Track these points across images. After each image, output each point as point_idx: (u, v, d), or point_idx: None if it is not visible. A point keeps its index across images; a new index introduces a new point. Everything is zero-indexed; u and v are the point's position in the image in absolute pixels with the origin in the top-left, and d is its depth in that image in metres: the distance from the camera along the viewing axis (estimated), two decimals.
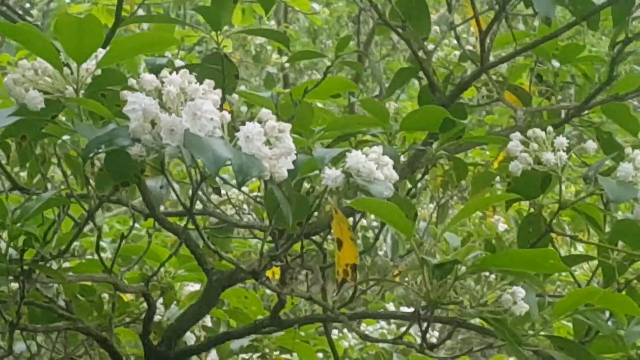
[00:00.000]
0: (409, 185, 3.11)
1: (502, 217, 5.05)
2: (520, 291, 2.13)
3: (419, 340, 2.48)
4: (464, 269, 2.16)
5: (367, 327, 4.47)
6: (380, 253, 3.70)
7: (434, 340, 3.74)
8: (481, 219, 5.12)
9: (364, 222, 3.72)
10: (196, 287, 3.11)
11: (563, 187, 2.48)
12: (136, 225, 2.98)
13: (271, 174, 1.91)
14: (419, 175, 3.15)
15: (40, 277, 2.62)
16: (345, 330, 4.56)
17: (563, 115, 3.38)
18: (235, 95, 3.29)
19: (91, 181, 2.42)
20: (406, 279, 2.53)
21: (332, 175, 2.05)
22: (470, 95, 3.69)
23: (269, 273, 3.02)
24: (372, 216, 3.42)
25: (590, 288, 2.56)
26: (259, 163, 1.80)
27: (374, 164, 2.08)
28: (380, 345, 4.09)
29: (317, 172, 2.16)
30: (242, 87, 6.55)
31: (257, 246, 3.46)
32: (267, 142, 1.88)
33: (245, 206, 3.39)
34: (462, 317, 2.31)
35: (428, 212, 5.13)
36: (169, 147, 1.80)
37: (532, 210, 2.71)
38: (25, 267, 2.47)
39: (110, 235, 3.67)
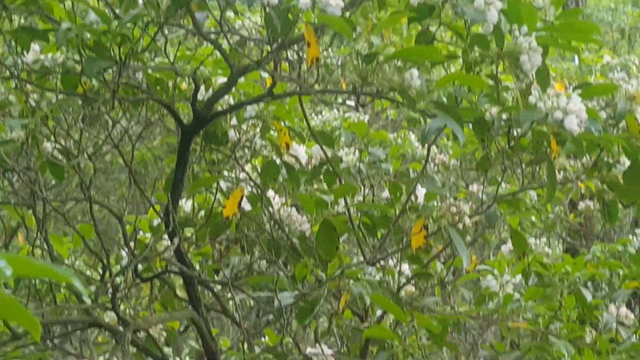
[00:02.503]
0: None
1: None
2: (414, 73, 3.19)
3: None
4: (382, 58, 3.19)
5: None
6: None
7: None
8: None
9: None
10: (224, 79, 3.74)
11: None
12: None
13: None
14: None
15: (133, 65, 3.51)
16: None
17: None
18: None
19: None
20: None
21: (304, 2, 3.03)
22: None
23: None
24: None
25: (457, 73, 3.46)
26: None
27: None
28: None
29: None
30: None
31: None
32: None
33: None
34: (382, 94, 3.47)
35: None
36: None
37: None
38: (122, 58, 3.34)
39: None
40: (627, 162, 3.52)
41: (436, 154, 4.73)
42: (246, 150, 3.98)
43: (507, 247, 4.18)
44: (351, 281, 3.50)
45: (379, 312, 3.90)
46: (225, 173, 4.08)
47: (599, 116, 3.31)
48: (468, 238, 3.68)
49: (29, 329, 1.20)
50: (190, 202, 4.08)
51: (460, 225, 3.40)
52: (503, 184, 3.88)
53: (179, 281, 4.23)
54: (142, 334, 3.89)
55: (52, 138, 3.87)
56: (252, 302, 4.33)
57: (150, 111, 3.91)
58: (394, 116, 5.78)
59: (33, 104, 3.73)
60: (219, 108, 3.78)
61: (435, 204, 3.64)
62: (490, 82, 3.35)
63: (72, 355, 3.85)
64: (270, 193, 3.98)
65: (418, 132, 4.56)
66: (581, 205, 4.95)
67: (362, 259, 3.88)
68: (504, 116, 3.40)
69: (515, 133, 3.48)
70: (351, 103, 4.18)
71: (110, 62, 3.35)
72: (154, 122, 4.11)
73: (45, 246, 3.84)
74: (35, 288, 3.94)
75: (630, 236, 4.63)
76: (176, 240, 3.56)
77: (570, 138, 3.27)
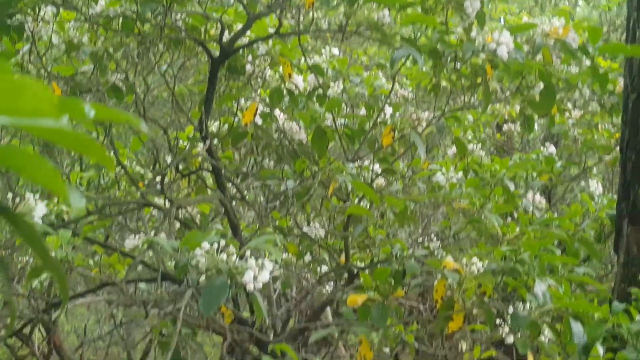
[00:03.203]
0: None
1: None
2: (386, 12, 3.25)
3: None
4: (361, 1, 3.20)
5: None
6: None
7: None
8: None
9: None
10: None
11: None
12: None
13: None
14: None
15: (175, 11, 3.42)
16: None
17: None
18: None
19: None
20: None
21: None
22: None
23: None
24: None
25: (416, 14, 3.28)
26: None
27: None
28: None
29: None
30: None
31: None
32: None
33: None
34: (361, 31, 3.47)
35: None
36: None
37: None
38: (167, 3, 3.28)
39: None
40: (542, 85, 3.49)
41: (398, 89, 4.69)
42: (259, 79, 3.93)
43: (452, 151, 4.18)
44: (337, 173, 3.49)
45: (357, 200, 3.89)
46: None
47: (522, 47, 3.28)
48: (424, 142, 3.67)
49: (104, 163, 1.12)
50: (217, 123, 4.05)
51: (419, 129, 3.38)
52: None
53: (209, 179, 4.21)
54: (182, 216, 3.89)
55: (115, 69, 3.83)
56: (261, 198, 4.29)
57: (187, 50, 3.81)
58: (366, 62, 5.73)
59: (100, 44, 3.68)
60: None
61: (399, 115, 3.63)
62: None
63: (130, 229, 3.84)
64: (277, 112, 3.94)
65: (385, 73, 4.52)
66: (505, 127, 4.96)
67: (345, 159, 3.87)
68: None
69: (458, 66, 3.45)
70: (335, 50, 4.18)
71: (159, 3, 3.30)
72: (190, 58, 3.98)
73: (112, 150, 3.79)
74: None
75: (541, 148, 4.63)
76: (207, 141, 3.53)
77: (502, 64, 3.25)
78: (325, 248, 3.88)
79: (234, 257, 2.72)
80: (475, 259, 3.05)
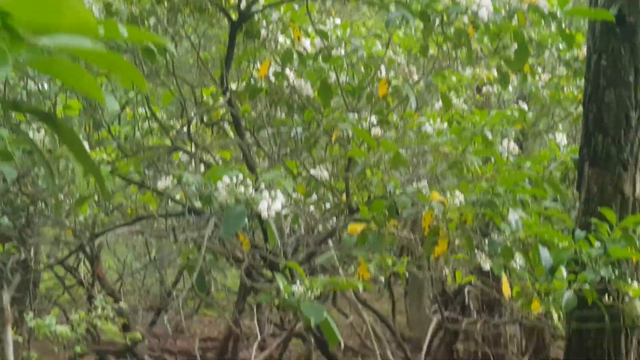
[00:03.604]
0: None
1: None
2: None
3: None
4: None
5: None
6: None
7: None
8: None
9: None
10: None
11: None
12: None
13: None
14: None
15: None
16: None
17: None
18: None
19: None
20: None
21: None
22: None
23: None
24: None
25: None
26: None
27: None
28: None
29: None
30: None
31: None
32: None
33: None
34: None
35: None
36: None
37: None
38: None
39: None
40: (516, 45, 3.39)
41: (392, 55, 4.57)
42: (272, 42, 3.83)
43: (438, 104, 4.08)
44: (339, 122, 3.41)
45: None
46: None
47: (500, 10, 3.18)
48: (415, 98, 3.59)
49: (136, 81, 1.02)
50: (235, 85, 3.95)
51: (411, 81, 3.29)
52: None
53: (230, 131, 4.13)
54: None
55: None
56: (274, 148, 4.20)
57: (210, 16, 3.71)
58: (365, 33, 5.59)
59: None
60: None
61: (393, 73, 3.53)
62: None
63: (162, 172, 3.77)
64: (287, 71, 3.85)
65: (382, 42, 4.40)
66: (484, 89, 4.85)
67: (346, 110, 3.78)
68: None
69: (443, 29, 3.35)
70: (338, 21, 4.06)
71: None
72: (214, 25, 3.87)
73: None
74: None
75: (514, 105, 4.55)
76: (228, 93, 3.44)
77: (482, 25, 3.15)
78: (329, 188, 3.82)
79: (250, 190, 2.67)
80: (458, 193, 2.99)
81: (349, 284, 2.67)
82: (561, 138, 4.40)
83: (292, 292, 2.52)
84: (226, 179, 2.65)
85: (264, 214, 2.64)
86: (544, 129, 4.54)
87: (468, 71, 4.30)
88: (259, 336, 4.73)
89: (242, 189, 2.67)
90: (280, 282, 2.55)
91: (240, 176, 2.67)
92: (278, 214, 2.97)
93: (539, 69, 4.60)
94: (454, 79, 4.35)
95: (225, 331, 5.75)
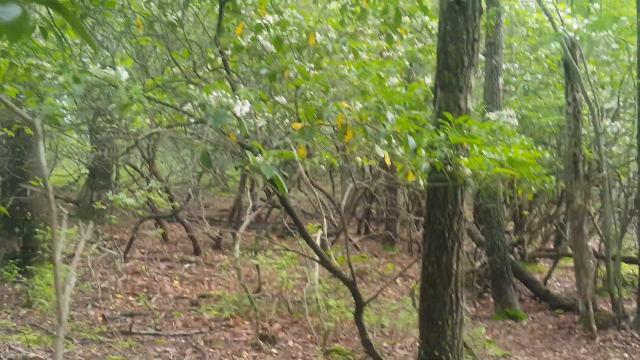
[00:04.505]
0: None
1: None
2: None
3: None
4: None
5: None
6: None
7: None
8: None
9: None
10: None
11: None
12: None
13: None
14: None
15: None
16: None
17: None
18: None
19: None
20: None
21: None
22: None
23: None
24: None
25: None
26: None
27: None
28: None
29: None
30: None
31: None
32: None
33: None
34: None
35: None
36: None
37: None
38: None
39: None
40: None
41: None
42: (248, 18, 4.06)
43: (351, 57, 4.30)
44: (289, 64, 3.66)
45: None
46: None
47: None
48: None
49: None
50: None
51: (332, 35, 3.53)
52: None
53: (224, 72, 4.36)
54: None
55: None
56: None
57: None
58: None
59: None
60: None
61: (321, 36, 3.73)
62: None
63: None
64: (259, 36, 4.09)
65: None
66: (384, 54, 4.99)
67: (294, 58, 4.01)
68: None
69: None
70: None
71: None
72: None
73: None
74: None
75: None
76: (219, 46, 3.72)
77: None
78: (286, 109, 4.13)
79: (230, 100, 3.00)
80: (358, 103, 3.32)
81: (290, 155, 3.02)
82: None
83: (256, 161, 2.88)
84: (214, 93, 2.97)
85: (238, 114, 2.97)
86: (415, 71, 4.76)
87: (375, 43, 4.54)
88: (250, 204, 5.15)
89: (224, 99, 2.99)
90: (249, 155, 2.93)
91: (224, 92, 2.99)
92: (251, 118, 3.31)
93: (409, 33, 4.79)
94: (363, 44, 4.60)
95: (233, 204, 6.15)
